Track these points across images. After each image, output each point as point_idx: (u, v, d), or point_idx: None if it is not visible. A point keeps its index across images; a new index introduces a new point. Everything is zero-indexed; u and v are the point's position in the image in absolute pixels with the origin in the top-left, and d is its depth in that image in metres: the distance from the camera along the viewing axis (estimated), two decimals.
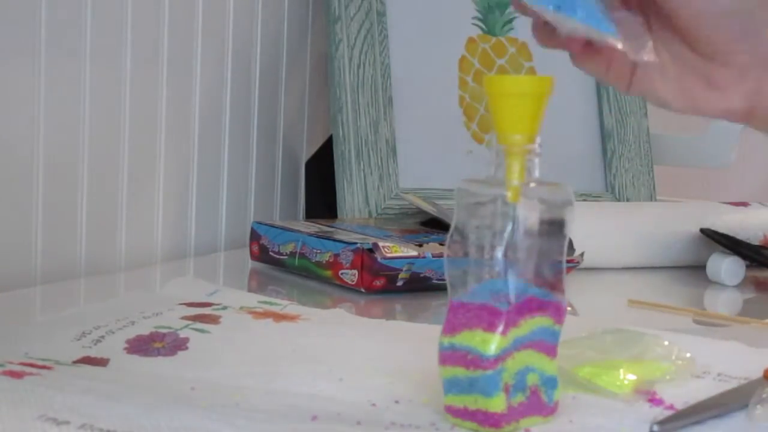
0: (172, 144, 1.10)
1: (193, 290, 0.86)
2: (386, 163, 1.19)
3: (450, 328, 0.57)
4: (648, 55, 0.57)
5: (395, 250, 0.94)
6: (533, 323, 0.58)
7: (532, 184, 0.58)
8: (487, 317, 0.56)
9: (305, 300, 0.88)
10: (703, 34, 0.58)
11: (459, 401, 0.57)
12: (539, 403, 0.58)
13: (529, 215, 0.57)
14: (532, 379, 0.58)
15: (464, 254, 0.57)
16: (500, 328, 0.56)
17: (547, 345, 0.59)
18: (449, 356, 0.57)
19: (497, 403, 0.56)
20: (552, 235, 0.58)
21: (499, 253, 0.56)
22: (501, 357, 0.56)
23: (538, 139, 0.58)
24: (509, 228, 0.56)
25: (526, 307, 0.57)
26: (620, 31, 0.57)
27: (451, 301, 0.58)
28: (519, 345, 0.57)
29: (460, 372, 0.57)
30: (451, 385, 0.57)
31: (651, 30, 0.59)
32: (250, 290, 0.97)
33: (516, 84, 0.59)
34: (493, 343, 0.56)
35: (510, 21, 1.29)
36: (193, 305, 0.78)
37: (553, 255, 0.58)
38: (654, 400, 0.63)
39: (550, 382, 0.59)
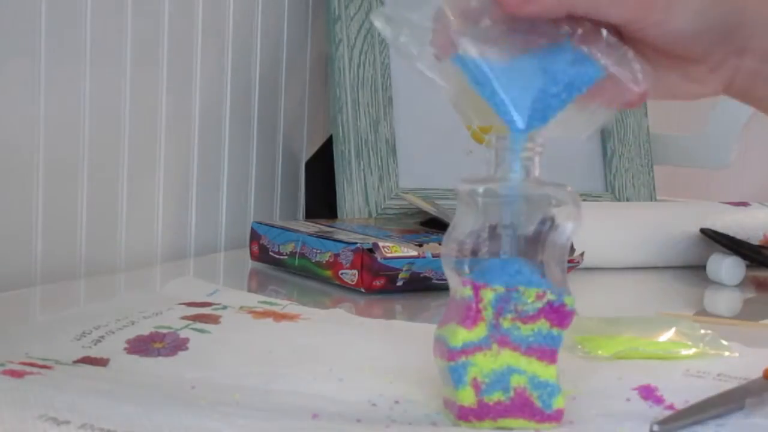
0: (172, 144, 1.10)
1: (193, 290, 0.86)
2: (386, 163, 1.19)
3: (441, 321, 0.59)
4: (642, 85, 0.57)
5: (395, 250, 0.94)
6: (531, 327, 0.58)
7: (533, 184, 0.58)
8: (461, 310, 0.57)
9: (305, 300, 0.88)
10: (676, 50, 0.58)
11: (444, 392, 0.59)
12: (528, 407, 0.58)
13: (529, 215, 0.57)
14: (517, 381, 0.57)
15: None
16: (467, 322, 0.56)
17: (541, 349, 0.58)
18: (435, 347, 0.59)
19: (463, 396, 0.57)
20: (554, 236, 0.58)
21: (499, 252, 0.56)
22: (466, 350, 0.56)
23: (540, 139, 0.58)
24: (508, 228, 0.56)
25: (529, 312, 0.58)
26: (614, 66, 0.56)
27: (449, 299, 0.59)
28: (496, 343, 0.57)
29: (440, 363, 0.58)
30: (439, 376, 0.59)
31: (623, 40, 0.58)
32: (250, 290, 0.97)
33: None
34: (458, 335, 0.56)
35: None
36: (193, 305, 0.78)
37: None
38: (655, 399, 0.63)
39: (544, 387, 0.58)
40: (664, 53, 0.58)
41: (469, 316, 0.57)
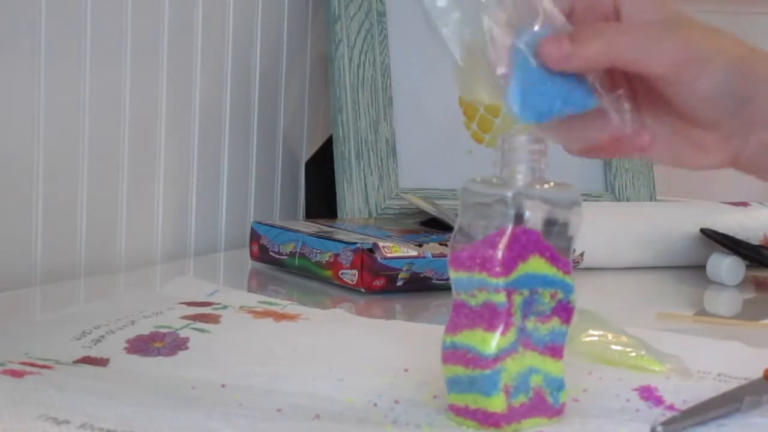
0: (172, 144, 1.10)
1: (193, 290, 0.86)
2: (386, 163, 1.19)
3: (452, 327, 0.57)
4: (628, 126, 0.61)
5: (395, 250, 0.94)
6: (547, 327, 0.58)
7: (538, 185, 0.58)
8: (488, 316, 0.56)
9: (305, 300, 0.88)
10: (697, 112, 0.62)
11: (461, 400, 0.57)
12: (543, 405, 0.58)
13: (534, 215, 0.57)
14: (535, 381, 0.58)
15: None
16: (500, 328, 0.56)
17: (554, 346, 0.59)
18: (450, 355, 0.57)
19: (496, 403, 0.56)
20: (558, 236, 0.58)
21: (499, 253, 0.56)
22: (500, 357, 0.56)
23: (543, 140, 0.58)
24: (509, 229, 0.56)
25: (535, 308, 0.58)
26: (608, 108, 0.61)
27: (454, 300, 0.58)
28: (522, 345, 0.57)
29: (460, 371, 0.57)
30: (453, 384, 0.57)
31: (637, 100, 0.62)
32: (250, 290, 0.97)
33: None
34: (492, 343, 0.56)
35: None
36: (193, 305, 0.78)
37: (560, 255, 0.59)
38: (655, 399, 0.63)
39: (555, 384, 0.59)
40: (682, 116, 0.62)
41: (503, 322, 0.56)
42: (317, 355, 0.68)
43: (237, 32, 1.17)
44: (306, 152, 1.29)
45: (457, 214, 0.58)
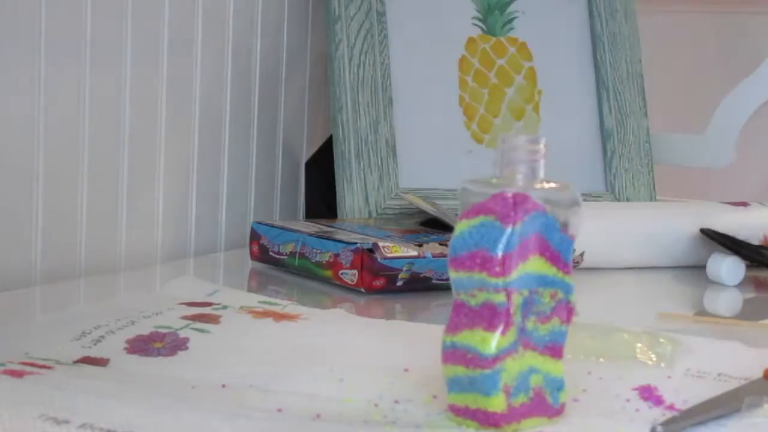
0: (172, 144, 1.10)
1: (193, 290, 0.86)
2: (386, 163, 1.19)
3: (452, 327, 0.57)
4: None
5: (395, 250, 0.94)
6: (547, 327, 0.58)
7: (538, 185, 0.58)
8: (488, 316, 0.56)
9: (305, 300, 0.88)
10: None
11: (461, 400, 0.57)
12: (543, 405, 0.58)
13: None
14: (535, 381, 0.58)
15: None
16: (500, 328, 0.56)
17: (554, 346, 0.59)
18: (450, 355, 0.57)
19: (496, 403, 0.56)
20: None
21: (499, 253, 0.56)
22: (500, 357, 0.56)
23: (543, 140, 0.58)
24: (509, 228, 0.56)
25: (535, 308, 0.58)
26: None
27: (454, 300, 0.58)
28: (522, 345, 0.57)
29: (460, 371, 0.57)
30: (454, 384, 0.58)
31: None
32: (250, 290, 0.97)
33: None
34: (492, 343, 0.56)
35: (510, 21, 1.29)
36: (193, 305, 0.78)
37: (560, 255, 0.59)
38: (655, 399, 0.63)
39: (555, 384, 0.59)
40: None
41: (503, 322, 0.56)
42: (317, 355, 0.68)
43: (237, 32, 1.17)
44: (306, 152, 1.29)
45: (457, 214, 0.58)
